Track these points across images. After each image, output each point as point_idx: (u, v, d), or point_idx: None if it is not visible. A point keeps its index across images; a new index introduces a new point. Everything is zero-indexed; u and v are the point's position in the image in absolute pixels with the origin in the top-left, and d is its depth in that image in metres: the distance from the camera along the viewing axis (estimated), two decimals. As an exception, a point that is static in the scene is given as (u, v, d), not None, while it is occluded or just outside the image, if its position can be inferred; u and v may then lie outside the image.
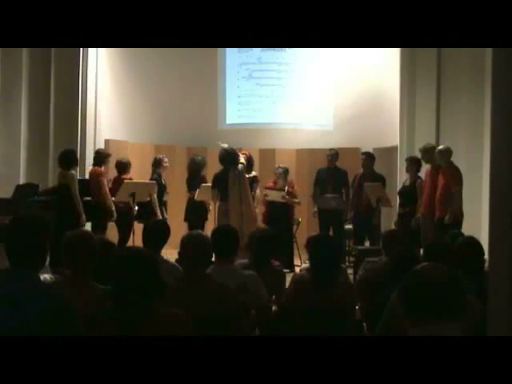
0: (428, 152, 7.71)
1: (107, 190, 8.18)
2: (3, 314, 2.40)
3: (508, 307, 2.05)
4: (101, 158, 8.47)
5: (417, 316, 2.23)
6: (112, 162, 8.75)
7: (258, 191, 8.85)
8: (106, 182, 8.22)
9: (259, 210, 8.92)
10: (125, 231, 8.14)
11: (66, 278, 3.37)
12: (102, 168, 8.38)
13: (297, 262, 8.96)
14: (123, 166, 8.65)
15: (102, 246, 3.59)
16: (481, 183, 8.13)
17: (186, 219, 8.87)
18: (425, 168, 7.95)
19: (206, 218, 8.80)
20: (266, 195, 9.06)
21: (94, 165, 8.47)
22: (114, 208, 8.07)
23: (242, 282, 3.80)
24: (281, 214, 8.93)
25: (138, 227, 7.68)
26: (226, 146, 7.89)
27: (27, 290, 2.45)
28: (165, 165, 8.91)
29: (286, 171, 9.25)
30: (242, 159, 8.01)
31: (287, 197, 9.00)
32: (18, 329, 2.37)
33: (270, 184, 9.28)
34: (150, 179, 8.72)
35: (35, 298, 2.43)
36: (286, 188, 9.11)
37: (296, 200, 9.17)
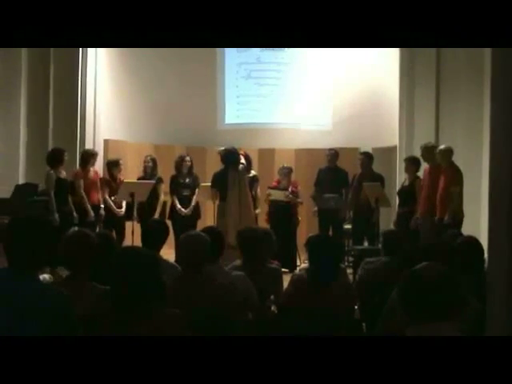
0: (429, 151, 7.69)
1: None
2: (2, 314, 2.40)
3: (507, 307, 2.05)
4: (84, 158, 8.31)
5: (415, 315, 2.23)
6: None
7: (258, 190, 8.85)
8: (81, 183, 8.01)
9: (261, 210, 8.93)
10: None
11: (65, 278, 3.36)
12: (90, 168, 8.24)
13: (296, 261, 8.96)
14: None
15: (101, 246, 3.57)
16: (480, 183, 8.13)
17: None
18: (423, 167, 7.95)
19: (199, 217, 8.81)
20: (269, 194, 9.07)
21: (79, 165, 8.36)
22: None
23: (229, 282, 3.75)
24: (284, 214, 8.93)
25: (137, 227, 7.70)
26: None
27: (26, 290, 2.45)
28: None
29: (290, 171, 9.27)
30: (242, 159, 8.02)
31: (290, 196, 9.01)
32: (16, 329, 2.37)
33: (274, 184, 9.30)
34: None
35: (34, 299, 2.43)
36: (290, 188, 9.11)
37: (299, 199, 9.18)
